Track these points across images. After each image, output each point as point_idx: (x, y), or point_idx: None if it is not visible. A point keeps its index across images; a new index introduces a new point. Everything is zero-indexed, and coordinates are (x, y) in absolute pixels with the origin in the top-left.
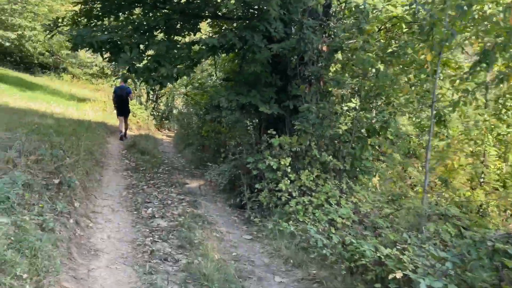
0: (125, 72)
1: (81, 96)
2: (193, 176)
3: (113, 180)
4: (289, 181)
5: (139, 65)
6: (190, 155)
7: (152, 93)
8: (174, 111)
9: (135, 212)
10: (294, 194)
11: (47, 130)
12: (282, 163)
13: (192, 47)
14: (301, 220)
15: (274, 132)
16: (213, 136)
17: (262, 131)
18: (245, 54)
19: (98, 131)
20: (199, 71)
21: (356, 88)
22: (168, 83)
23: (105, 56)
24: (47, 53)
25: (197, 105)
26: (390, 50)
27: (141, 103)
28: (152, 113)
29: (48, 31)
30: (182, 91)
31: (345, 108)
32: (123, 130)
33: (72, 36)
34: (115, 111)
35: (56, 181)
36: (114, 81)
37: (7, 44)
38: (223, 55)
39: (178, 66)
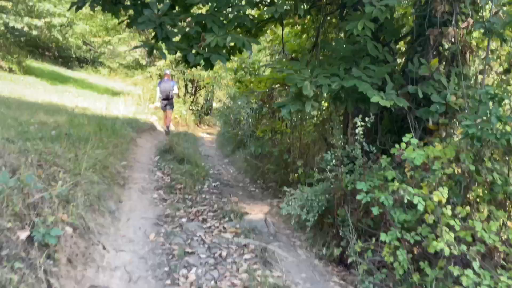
0: (151, 40)
1: (116, 90)
2: (251, 196)
3: (137, 209)
4: (451, 233)
5: (172, 28)
6: (242, 162)
7: (191, 84)
8: (215, 105)
9: (168, 282)
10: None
11: (46, 132)
12: (436, 198)
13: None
14: None
15: (411, 138)
16: (272, 138)
17: (367, 134)
18: (343, 9)
19: (126, 130)
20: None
21: None
22: (219, 61)
23: (122, 18)
24: (84, 47)
25: (251, 96)
26: None
27: (178, 97)
28: (190, 107)
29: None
30: (224, 82)
31: None
32: (168, 125)
33: None
34: (155, 105)
35: (23, 235)
36: (149, 72)
37: (35, 32)
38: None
39: (234, 33)
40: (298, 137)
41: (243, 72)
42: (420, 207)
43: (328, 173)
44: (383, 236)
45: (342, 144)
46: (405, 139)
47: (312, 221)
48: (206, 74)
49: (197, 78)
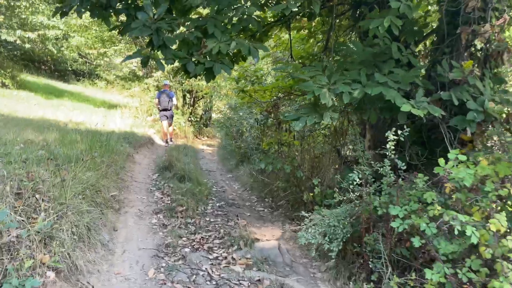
0: (146, 49)
1: (113, 102)
2: (260, 218)
3: (133, 238)
4: None
5: (168, 34)
6: (247, 178)
7: (189, 95)
8: (214, 116)
9: None
10: None
11: (32, 152)
12: (493, 227)
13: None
14: None
15: (456, 154)
16: (279, 151)
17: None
18: (356, 9)
19: (122, 146)
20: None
21: None
22: (223, 71)
23: (114, 24)
24: (80, 59)
25: (255, 106)
26: None
27: (176, 108)
28: (189, 118)
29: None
30: (224, 92)
31: None
32: (168, 136)
33: None
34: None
35: None
36: (146, 84)
37: (28, 46)
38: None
39: (238, 38)
40: (307, 149)
41: (244, 82)
42: (474, 239)
43: (351, 193)
44: (428, 274)
45: (366, 159)
46: (451, 155)
47: (336, 251)
48: (204, 84)
49: (195, 88)
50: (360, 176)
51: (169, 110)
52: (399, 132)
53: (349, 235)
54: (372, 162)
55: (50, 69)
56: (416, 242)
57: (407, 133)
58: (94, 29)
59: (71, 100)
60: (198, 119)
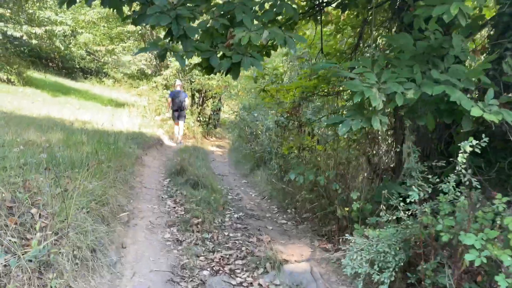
0: (162, 39)
1: (121, 101)
2: (283, 232)
3: (144, 257)
4: None
5: (190, 23)
6: (265, 185)
7: (197, 94)
8: (223, 116)
9: None
10: None
11: (33, 156)
12: None
13: None
14: None
15: None
16: (300, 156)
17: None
18: None
19: (130, 148)
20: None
21: None
22: (252, 66)
23: (127, 14)
24: (88, 57)
25: (277, 107)
26: None
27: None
28: (198, 118)
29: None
30: (235, 91)
31: None
32: (179, 137)
33: None
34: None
35: None
36: (155, 82)
37: (35, 41)
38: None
39: (269, 26)
40: (332, 155)
41: (263, 80)
42: None
43: (401, 213)
44: None
45: (419, 172)
46: None
47: (388, 283)
48: (215, 83)
49: (206, 87)
50: (420, 193)
51: (181, 110)
52: (474, 142)
53: (402, 264)
54: (430, 176)
55: (57, 67)
56: (501, 281)
57: (485, 143)
58: (103, 25)
59: (77, 98)
60: (207, 119)
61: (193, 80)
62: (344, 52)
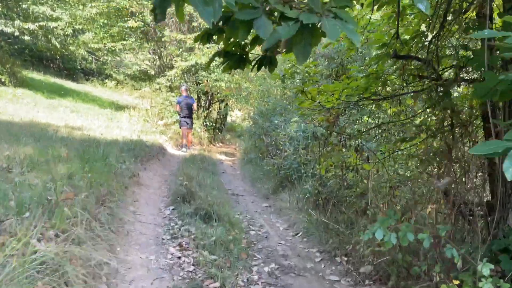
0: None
1: (122, 103)
2: None
3: None
4: None
5: None
6: (295, 213)
7: (204, 97)
8: (228, 119)
9: None
10: None
11: None
12: None
13: None
14: None
15: None
16: (343, 176)
17: None
18: None
19: (125, 163)
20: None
21: None
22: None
23: None
24: (89, 58)
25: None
26: None
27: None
28: (204, 123)
29: None
30: (245, 94)
31: None
32: (186, 143)
33: None
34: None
35: None
36: (158, 84)
37: (27, 38)
38: None
39: None
40: (386, 179)
41: (291, 80)
42: None
43: None
44: None
45: None
46: None
47: None
48: (224, 85)
49: (215, 89)
50: None
51: (190, 117)
52: None
53: None
54: None
55: (58, 68)
56: None
57: None
58: (102, 21)
59: (75, 100)
60: (213, 124)
61: (200, 82)
62: (423, 34)
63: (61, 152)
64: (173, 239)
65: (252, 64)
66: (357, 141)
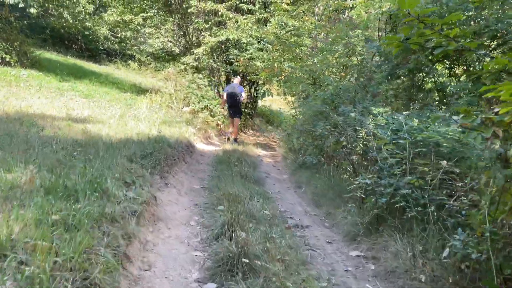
0: None
1: (144, 86)
2: None
3: None
4: None
5: None
6: (425, 284)
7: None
8: (260, 103)
9: None
10: None
11: None
12: None
13: None
14: None
15: None
16: None
17: None
18: None
19: (133, 184)
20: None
21: None
22: None
23: None
24: (112, 38)
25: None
26: None
27: (220, 94)
28: None
29: None
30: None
31: None
32: (233, 135)
33: None
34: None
35: None
36: (184, 64)
37: (34, 11)
38: None
39: None
40: None
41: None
42: None
43: None
44: None
45: None
46: None
47: None
48: (259, 64)
49: (251, 70)
50: None
51: (237, 106)
52: None
53: None
54: None
55: (80, 49)
56: None
57: None
58: None
59: (92, 83)
60: (244, 110)
61: (231, 61)
62: None
63: (22, 177)
64: None
65: None
66: None
